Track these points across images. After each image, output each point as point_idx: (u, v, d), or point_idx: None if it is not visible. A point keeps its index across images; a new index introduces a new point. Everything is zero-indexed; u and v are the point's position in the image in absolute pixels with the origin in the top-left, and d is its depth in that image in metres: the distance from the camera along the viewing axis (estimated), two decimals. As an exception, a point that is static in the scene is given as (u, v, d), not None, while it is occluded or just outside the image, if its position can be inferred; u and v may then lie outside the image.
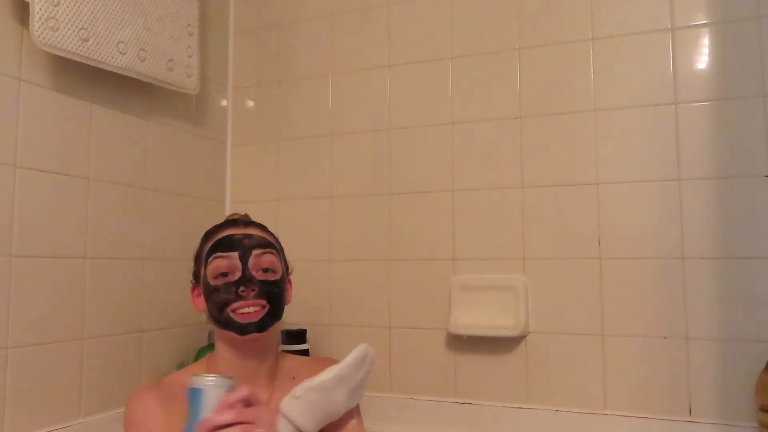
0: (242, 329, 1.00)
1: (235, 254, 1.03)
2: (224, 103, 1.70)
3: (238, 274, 1.02)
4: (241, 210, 1.65)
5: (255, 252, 1.04)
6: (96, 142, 1.27)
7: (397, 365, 1.45)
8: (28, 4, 1.09)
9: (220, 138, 1.68)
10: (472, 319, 1.37)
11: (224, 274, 1.02)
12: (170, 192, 1.48)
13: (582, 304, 1.30)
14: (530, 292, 1.35)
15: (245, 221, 1.12)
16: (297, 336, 1.47)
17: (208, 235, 1.10)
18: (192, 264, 1.12)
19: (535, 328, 1.34)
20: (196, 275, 1.10)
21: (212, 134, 1.65)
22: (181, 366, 1.43)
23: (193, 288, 1.11)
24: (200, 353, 1.46)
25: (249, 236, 1.06)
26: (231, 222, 1.12)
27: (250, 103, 1.70)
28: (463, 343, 1.39)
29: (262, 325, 1.01)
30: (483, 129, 1.42)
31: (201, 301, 1.07)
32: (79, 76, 1.23)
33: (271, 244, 1.08)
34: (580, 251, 1.31)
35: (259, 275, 1.03)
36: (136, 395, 1.01)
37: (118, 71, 1.25)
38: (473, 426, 1.34)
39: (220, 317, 1.02)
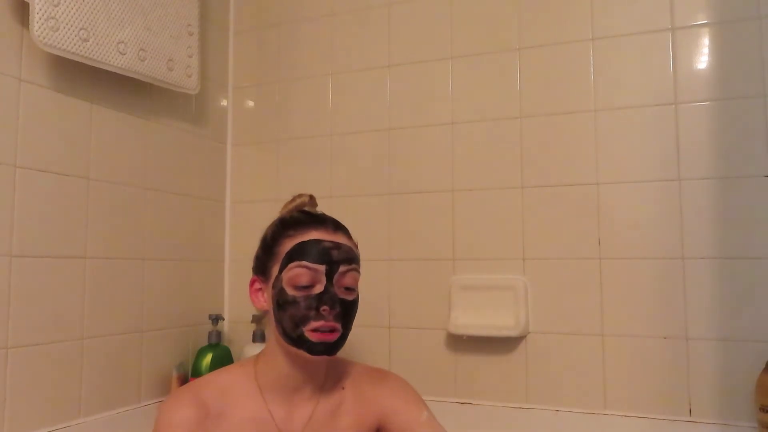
0: (314, 350, 0.91)
1: (322, 268, 0.92)
2: (224, 103, 1.70)
3: (320, 288, 0.92)
4: (242, 210, 1.67)
5: (342, 269, 0.94)
6: (96, 142, 1.27)
7: (397, 365, 1.45)
8: (28, 4, 1.09)
9: (220, 138, 1.68)
10: (472, 319, 1.36)
11: (305, 286, 0.92)
12: (170, 192, 1.48)
13: (582, 304, 1.30)
14: (530, 292, 1.35)
15: (334, 223, 0.99)
16: (297, 336, 1.46)
17: (288, 227, 0.97)
18: (258, 248, 1.01)
19: (535, 328, 1.34)
20: (262, 268, 0.98)
21: (212, 134, 1.65)
22: (181, 366, 1.43)
23: (255, 281, 0.99)
24: (200, 353, 1.46)
25: (338, 246, 0.95)
26: (318, 219, 0.99)
27: (250, 103, 1.70)
28: (463, 343, 1.39)
29: (333, 348, 0.93)
30: (483, 129, 1.42)
31: (264, 300, 0.98)
32: (79, 76, 1.23)
33: (356, 260, 0.98)
34: (580, 251, 1.31)
35: (340, 292, 0.94)
36: (168, 404, 0.93)
37: (118, 71, 1.25)
38: (473, 426, 1.34)
39: (292, 332, 0.91)
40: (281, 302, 0.93)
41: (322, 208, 1.56)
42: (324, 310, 0.91)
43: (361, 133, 1.55)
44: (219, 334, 1.50)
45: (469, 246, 1.41)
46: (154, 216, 1.42)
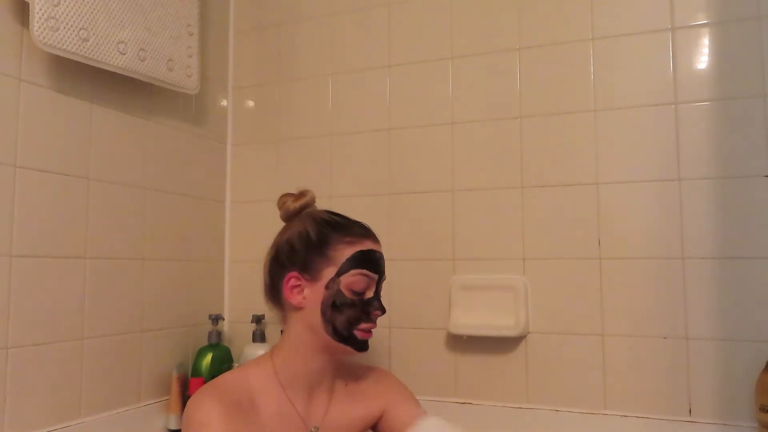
0: (361, 347, 1.03)
1: (376, 277, 1.04)
2: (224, 103, 1.70)
3: (370, 294, 1.04)
4: (242, 210, 1.67)
5: (383, 277, 1.07)
6: (96, 142, 1.27)
7: (397, 365, 1.45)
8: (28, 4, 1.09)
9: (220, 138, 1.68)
10: (472, 319, 1.36)
11: (360, 292, 1.02)
12: (170, 192, 1.48)
13: (582, 304, 1.30)
14: (530, 292, 1.35)
15: (374, 234, 1.09)
16: (297, 336, 1.46)
17: (340, 232, 1.03)
18: (295, 244, 1.03)
19: (535, 328, 1.34)
20: (306, 265, 1.01)
21: (212, 134, 1.65)
22: (181, 366, 1.43)
23: (292, 277, 1.01)
24: (200, 353, 1.46)
25: (382, 257, 1.07)
26: (366, 228, 1.08)
27: (250, 103, 1.70)
28: (463, 343, 1.39)
29: (368, 346, 1.06)
30: (483, 129, 1.42)
31: (303, 297, 1.01)
32: (79, 76, 1.23)
33: None
34: (580, 251, 1.31)
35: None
36: (199, 403, 0.94)
37: (118, 71, 1.25)
38: (473, 426, 1.34)
39: (345, 331, 1.00)
40: (339, 304, 1.00)
41: (322, 207, 1.57)
42: (375, 314, 1.03)
43: (361, 133, 1.55)
44: (219, 334, 1.50)
45: (469, 246, 1.41)
46: (154, 216, 1.42)
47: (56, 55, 1.15)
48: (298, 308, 1.02)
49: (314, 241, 1.03)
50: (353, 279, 1.01)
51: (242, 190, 1.68)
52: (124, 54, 1.25)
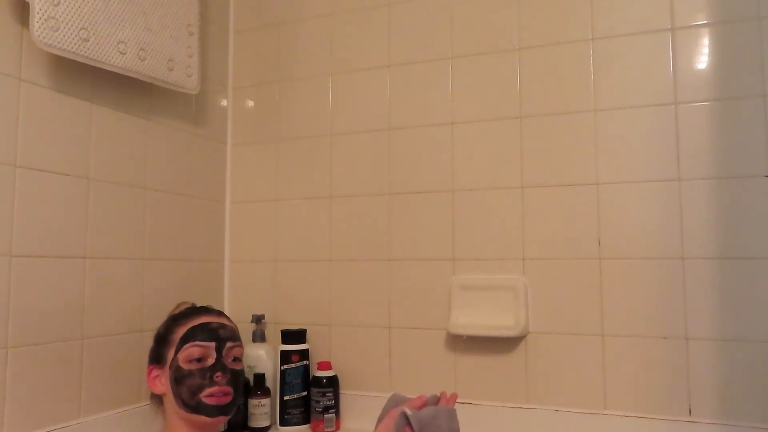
0: (212, 413, 1.10)
1: (212, 345, 1.13)
2: (224, 103, 1.70)
3: (211, 361, 1.12)
4: (242, 210, 1.67)
5: (228, 344, 1.14)
6: (96, 142, 1.27)
7: (397, 365, 1.45)
8: (28, 4, 1.09)
9: (220, 138, 1.68)
10: (472, 319, 1.37)
11: (198, 360, 1.11)
12: (170, 192, 1.48)
13: (582, 304, 1.30)
14: (530, 292, 1.35)
15: (217, 310, 1.22)
16: (297, 336, 1.47)
17: (179, 319, 1.17)
18: (152, 344, 1.19)
19: (535, 328, 1.34)
20: (158, 357, 1.16)
21: (212, 134, 1.65)
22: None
23: (152, 370, 1.16)
24: (200, 353, 1.46)
25: (224, 326, 1.16)
26: (203, 308, 1.21)
27: (250, 103, 1.70)
28: (463, 343, 1.39)
29: (228, 410, 1.12)
30: (483, 129, 1.42)
31: (161, 384, 1.14)
32: (79, 76, 1.23)
33: (240, 338, 1.19)
34: (580, 251, 1.31)
35: (229, 363, 1.14)
36: None
37: (118, 71, 1.25)
38: (473, 426, 1.34)
39: (191, 401, 1.09)
40: (178, 377, 1.10)
41: (322, 208, 1.57)
42: (217, 376, 1.10)
43: (361, 133, 1.55)
44: (219, 334, 1.50)
45: (469, 246, 1.41)
46: (154, 216, 1.42)
47: (56, 55, 1.15)
48: (162, 395, 1.14)
49: (162, 334, 1.17)
50: (187, 352, 1.11)
51: (242, 190, 1.68)
52: (124, 54, 1.25)
